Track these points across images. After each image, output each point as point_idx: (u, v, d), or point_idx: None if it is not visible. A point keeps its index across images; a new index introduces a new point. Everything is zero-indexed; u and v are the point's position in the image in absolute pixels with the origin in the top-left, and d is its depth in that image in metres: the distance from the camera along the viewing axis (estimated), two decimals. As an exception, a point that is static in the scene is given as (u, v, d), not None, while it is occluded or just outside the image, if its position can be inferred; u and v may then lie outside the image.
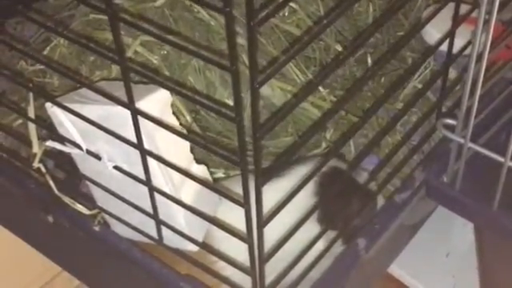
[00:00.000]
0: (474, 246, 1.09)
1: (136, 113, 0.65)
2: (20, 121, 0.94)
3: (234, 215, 0.67)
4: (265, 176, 0.59)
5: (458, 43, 0.83)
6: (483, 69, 0.71)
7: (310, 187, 0.81)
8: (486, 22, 0.69)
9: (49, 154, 0.82)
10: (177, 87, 0.62)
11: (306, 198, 0.79)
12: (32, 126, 0.83)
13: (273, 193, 0.69)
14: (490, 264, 1.03)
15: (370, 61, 0.99)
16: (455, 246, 1.16)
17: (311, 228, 0.76)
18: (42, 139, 0.82)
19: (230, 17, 0.50)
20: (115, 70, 0.90)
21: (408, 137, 0.90)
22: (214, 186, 0.77)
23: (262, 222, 0.61)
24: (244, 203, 0.60)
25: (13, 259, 1.26)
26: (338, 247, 0.81)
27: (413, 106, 0.92)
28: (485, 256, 1.04)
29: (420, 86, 0.98)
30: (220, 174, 0.89)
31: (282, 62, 0.58)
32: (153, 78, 0.64)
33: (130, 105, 0.65)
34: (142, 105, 0.68)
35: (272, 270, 0.69)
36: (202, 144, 0.64)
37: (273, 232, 0.66)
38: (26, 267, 1.29)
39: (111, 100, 0.67)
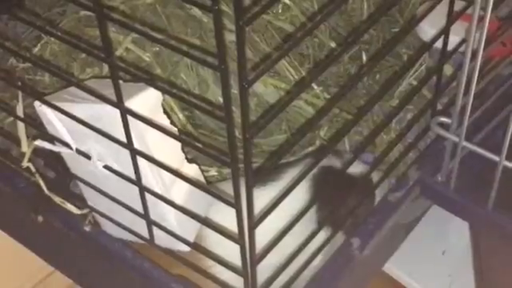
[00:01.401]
0: (470, 244, 1.09)
1: (125, 112, 0.64)
2: (11, 119, 0.93)
3: (227, 215, 0.66)
4: (256, 176, 0.58)
5: (455, 40, 0.82)
6: (478, 66, 0.71)
7: (305, 192, 0.80)
8: (481, 19, 0.69)
9: (39, 153, 0.81)
10: (166, 86, 0.61)
11: (302, 201, 0.79)
12: (21, 125, 0.82)
13: (267, 198, 0.68)
14: (485, 263, 1.02)
15: (364, 57, 0.99)
16: (451, 243, 1.16)
17: (310, 229, 0.76)
18: (32, 138, 0.81)
19: (217, 15, 0.49)
20: (106, 67, 0.90)
21: (402, 135, 0.89)
22: (205, 186, 0.76)
23: (253, 223, 0.61)
24: (235, 204, 0.59)
25: (7, 257, 1.25)
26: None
27: (408, 103, 0.91)
28: (480, 255, 1.04)
29: (415, 82, 0.97)
30: (213, 172, 0.88)
31: (272, 60, 0.57)
32: (141, 76, 0.63)
33: (119, 104, 0.64)
34: (131, 104, 0.67)
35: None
36: (192, 144, 0.64)
37: (269, 236, 0.66)
38: (21, 265, 1.29)
39: (100, 99, 0.66)
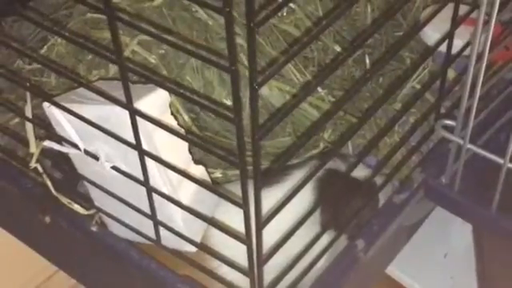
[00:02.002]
0: (473, 246, 1.09)
1: (134, 113, 0.65)
2: (17, 120, 0.94)
3: (234, 216, 0.67)
4: (264, 177, 0.59)
5: (457, 43, 0.82)
6: (483, 70, 0.71)
7: (310, 194, 0.81)
8: (486, 23, 0.69)
9: (46, 153, 0.82)
10: (175, 87, 0.61)
11: (306, 203, 0.79)
12: (29, 126, 0.82)
13: (273, 199, 0.69)
14: (488, 265, 1.03)
15: (367, 62, 0.99)
16: (453, 246, 1.16)
17: (315, 231, 0.76)
18: (39, 139, 0.81)
19: (229, 17, 0.49)
20: (113, 68, 0.90)
21: (406, 138, 0.89)
22: (213, 186, 0.77)
23: (261, 224, 0.61)
24: (243, 204, 0.60)
25: (10, 257, 1.26)
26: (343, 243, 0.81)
27: (411, 107, 0.92)
28: (483, 257, 1.04)
29: (418, 86, 0.98)
30: (218, 174, 0.89)
31: (281, 64, 0.58)
32: (150, 77, 0.63)
33: (128, 105, 0.64)
34: (140, 105, 0.68)
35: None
36: (201, 145, 0.64)
37: (273, 236, 0.67)
38: (24, 265, 1.29)
39: (109, 100, 0.66)
